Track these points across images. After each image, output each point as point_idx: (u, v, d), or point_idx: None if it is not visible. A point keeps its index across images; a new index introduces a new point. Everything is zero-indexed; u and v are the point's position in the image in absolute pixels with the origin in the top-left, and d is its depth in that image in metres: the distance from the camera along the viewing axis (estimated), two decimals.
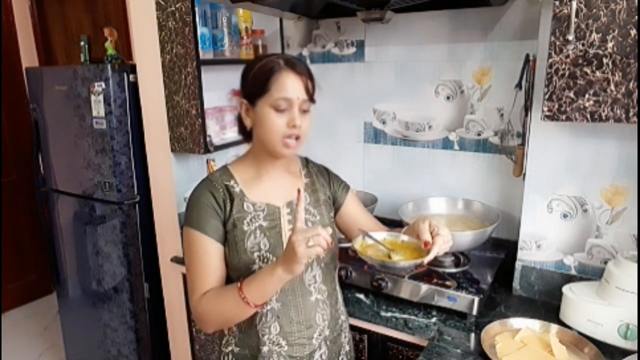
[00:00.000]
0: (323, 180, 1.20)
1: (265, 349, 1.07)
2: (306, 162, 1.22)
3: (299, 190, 0.99)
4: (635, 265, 1.17)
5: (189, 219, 1.06)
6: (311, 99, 1.03)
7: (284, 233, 1.08)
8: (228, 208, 1.05)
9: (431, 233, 0.99)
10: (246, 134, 1.12)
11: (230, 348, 1.11)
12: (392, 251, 1.00)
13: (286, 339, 1.07)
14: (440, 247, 0.96)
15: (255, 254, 1.04)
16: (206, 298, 1.01)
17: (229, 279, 1.08)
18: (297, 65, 1.01)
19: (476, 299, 1.32)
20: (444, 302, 1.36)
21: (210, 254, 1.04)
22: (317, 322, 1.10)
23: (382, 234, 1.07)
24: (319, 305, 1.11)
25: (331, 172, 1.24)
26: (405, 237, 1.04)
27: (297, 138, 1.02)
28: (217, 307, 1.00)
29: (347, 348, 1.22)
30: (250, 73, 1.03)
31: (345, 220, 1.22)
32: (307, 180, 1.17)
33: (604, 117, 1.12)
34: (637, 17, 1.04)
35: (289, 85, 0.99)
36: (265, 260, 1.05)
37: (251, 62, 1.06)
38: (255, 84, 1.01)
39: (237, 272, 1.06)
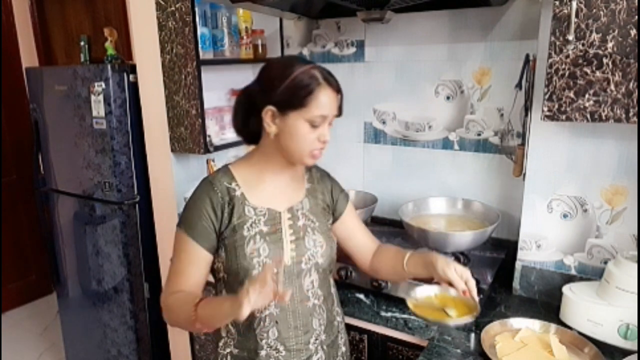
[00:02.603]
0: (325, 187, 1.19)
1: (263, 353, 1.07)
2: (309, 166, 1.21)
3: (280, 259, 0.98)
4: (635, 265, 1.17)
5: (183, 220, 1.06)
6: (340, 114, 1.04)
7: (285, 239, 1.07)
8: (227, 214, 1.04)
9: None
10: (250, 137, 1.10)
11: (228, 350, 1.11)
12: (445, 308, 1.02)
13: (284, 344, 1.07)
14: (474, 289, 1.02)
15: (255, 260, 1.03)
16: (173, 298, 1.04)
17: (228, 285, 1.08)
18: (334, 82, 1.01)
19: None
20: None
21: (193, 259, 1.05)
22: (314, 327, 1.10)
23: (432, 289, 1.07)
24: (316, 310, 1.11)
25: (333, 180, 1.23)
26: (453, 292, 1.05)
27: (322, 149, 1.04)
28: (177, 311, 1.03)
29: (344, 349, 1.22)
30: (282, 81, 0.98)
31: (342, 230, 1.21)
32: (309, 185, 1.16)
33: (604, 117, 1.12)
34: (637, 17, 1.04)
35: (327, 103, 0.99)
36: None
37: (279, 67, 1.01)
38: (291, 96, 0.98)
39: (236, 277, 1.05)
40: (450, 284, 1.03)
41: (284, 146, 1.03)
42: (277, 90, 0.98)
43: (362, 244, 1.24)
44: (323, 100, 0.98)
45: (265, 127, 1.02)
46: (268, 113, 1.00)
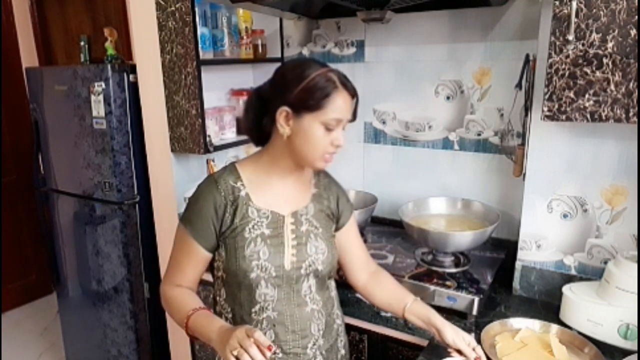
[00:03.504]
0: (331, 194, 1.17)
1: None
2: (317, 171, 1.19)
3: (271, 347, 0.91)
4: (635, 265, 1.17)
5: (185, 216, 1.07)
6: (354, 118, 1.05)
7: (287, 243, 1.06)
8: (229, 215, 1.04)
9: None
10: (260, 138, 1.10)
11: None
12: None
13: (281, 347, 1.07)
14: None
15: (254, 263, 1.03)
16: (171, 295, 1.08)
17: (226, 284, 1.08)
18: (350, 86, 1.01)
19: (476, 299, 1.32)
20: (444, 302, 1.36)
21: (191, 256, 1.07)
22: (312, 332, 1.10)
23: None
24: (315, 316, 1.10)
25: (341, 188, 1.22)
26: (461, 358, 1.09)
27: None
28: (171, 310, 1.08)
29: (343, 352, 1.21)
30: (298, 83, 0.98)
31: (340, 241, 1.20)
32: (316, 190, 1.15)
33: (604, 117, 1.12)
34: (637, 17, 1.04)
35: (343, 106, 0.99)
36: (263, 269, 1.03)
37: (295, 69, 1.01)
38: (307, 98, 0.97)
39: (235, 278, 1.05)
40: (459, 352, 1.08)
41: (296, 148, 1.02)
42: (292, 91, 0.98)
43: (357, 259, 1.23)
44: (339, 103, 0.98)
45: (279, 129, 1.01)
46: (282, 114, 1.00)
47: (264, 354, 0.84)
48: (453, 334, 1.08)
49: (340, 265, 1.23)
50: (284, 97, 0.99)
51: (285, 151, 1.05)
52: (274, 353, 1.07)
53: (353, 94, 1.02)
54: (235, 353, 0.84)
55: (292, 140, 1.02)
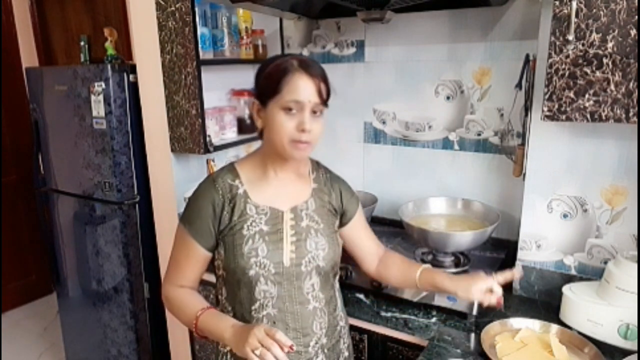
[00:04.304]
0: (333, 190, 1.16)
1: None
2: (317, 165, 1.18)
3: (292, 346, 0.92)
4: (635, 265, 1.17)
5: (184, 216, 1.07)
6: (324, 102, 1.00)
7: (286, 239, 1.06)
8: (227, 213, 1.04)
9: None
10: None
11: (228, 348, 1.10)
12: None
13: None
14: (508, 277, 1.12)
15: (252, 260, 1.02)
16: (175, 295, 1.09)
17: (227, 282, 1.08)
18: (311, 67, 0.99)
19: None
20: (444, 302, 1.36)
21: (191, 255, 1.07)
22: (314, 330, 1.09)
23: None
24: (317, 314, 1.09)
25: (344, 183, 1.20)
26: None
27: (307, 142, 1.00)
28: (177, 310, 1.08)
29: (346, 354, 1.20)
30: (263, 72, 1.01)
31: (350, 235, 1.20)
32: (316, 185, 1.14)
33: (604, 117, 1.12)
34: (637, 17, 1.04)
35: (301, 87, 0.97)
36: (262, 266, 1.03)
37: (265, 62, 1.04)
38: (267, 84, 0.99)
39: (234, 276, 1.05)
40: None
41: (269, 139, 1.03)
42: (259, 82, 1.02)
43: (368, 249, 1.24)
44: (296, 84, 0.97)
45: (255, 122, 1.05)
46: (254, 107, 1.03)
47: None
48: (465, 291, 1.08)
49: (353, 257, 1.24)
50: (255, 90, 1.03)
51: (268, 145, 1.06)
52: None
53: (313, 74, 0.98)
54: (257, 353, 0.86)
55: (266, 132, 1.04)
